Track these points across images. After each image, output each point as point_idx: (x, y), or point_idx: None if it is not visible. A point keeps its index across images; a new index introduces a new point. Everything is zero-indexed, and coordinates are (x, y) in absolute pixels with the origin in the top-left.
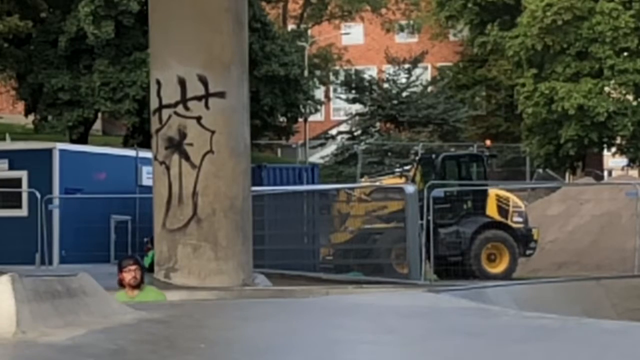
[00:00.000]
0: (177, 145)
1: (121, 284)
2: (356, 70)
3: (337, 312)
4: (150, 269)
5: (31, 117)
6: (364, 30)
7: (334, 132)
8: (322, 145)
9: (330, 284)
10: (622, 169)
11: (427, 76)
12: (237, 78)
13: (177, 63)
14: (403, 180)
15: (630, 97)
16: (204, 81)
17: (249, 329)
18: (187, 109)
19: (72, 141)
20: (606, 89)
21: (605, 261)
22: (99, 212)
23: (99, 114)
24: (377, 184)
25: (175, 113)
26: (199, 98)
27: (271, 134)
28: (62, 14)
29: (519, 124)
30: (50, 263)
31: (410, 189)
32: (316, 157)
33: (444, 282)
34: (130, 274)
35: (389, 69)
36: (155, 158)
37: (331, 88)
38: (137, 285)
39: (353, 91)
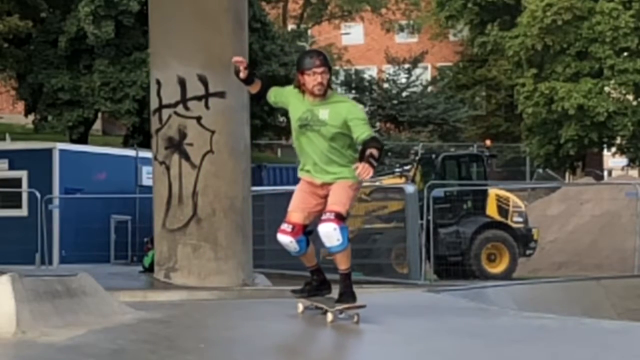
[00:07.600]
0: (177, 145)
1: (298, 86)
2: (356, 70)
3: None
4: (150, 269)
5: (31, 117)
6: (364, 30)
7: None
8: None
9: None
10: (622, 169)
11: (427, 76)
12: None
13: (177, 63)
14: (403, 180)
15: (630, 97)
16: (204, 81)
17: (249, 329)
18: (187, 108)
19: (72, 141)
20: (606, 89)
21: (605, 261)
22: (99, 212)
23: (99, 114)
24: (377, 184)
25: (175, 113)
26: (199, 98)
27: (271, 134)
28: (62, 14)
29: (519, 124)
30: (50, 263)
31: (410, 189)
32: None
33: (444, 282)
34: (315, 79)
35: (389, 69)
36: (155, 158)
37: None
38: (323, 94)
39: (353, 91)
